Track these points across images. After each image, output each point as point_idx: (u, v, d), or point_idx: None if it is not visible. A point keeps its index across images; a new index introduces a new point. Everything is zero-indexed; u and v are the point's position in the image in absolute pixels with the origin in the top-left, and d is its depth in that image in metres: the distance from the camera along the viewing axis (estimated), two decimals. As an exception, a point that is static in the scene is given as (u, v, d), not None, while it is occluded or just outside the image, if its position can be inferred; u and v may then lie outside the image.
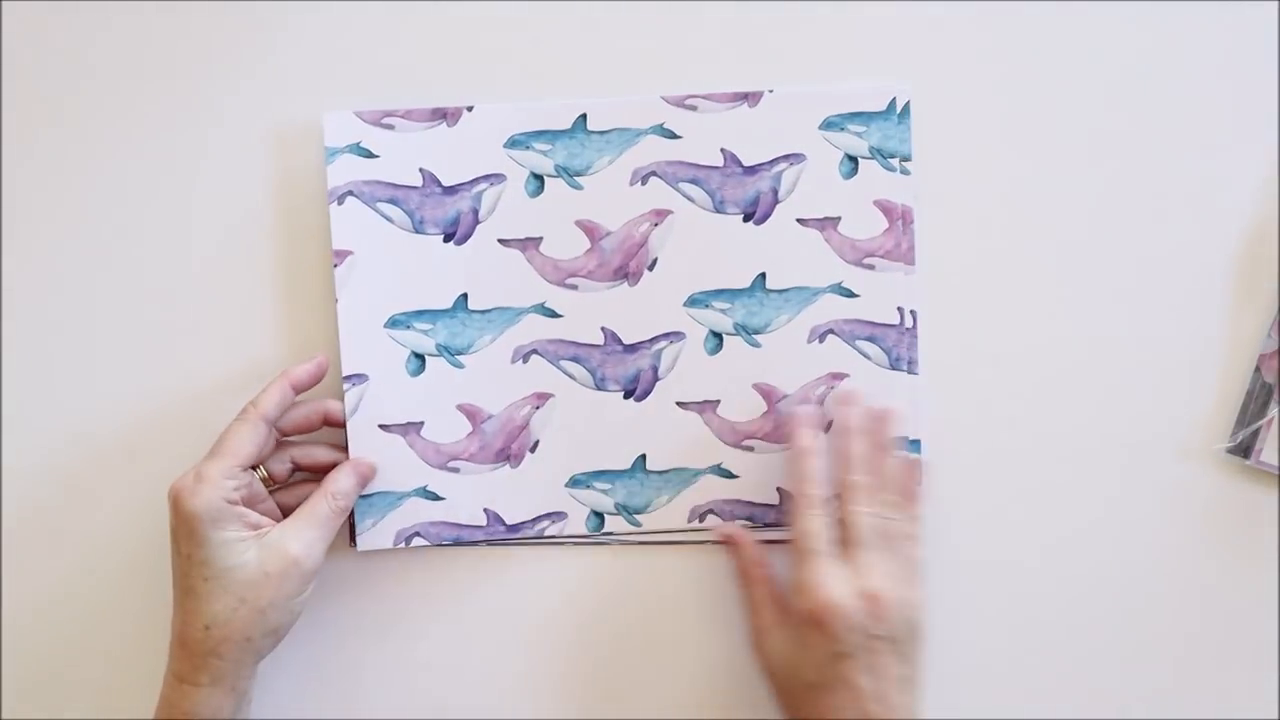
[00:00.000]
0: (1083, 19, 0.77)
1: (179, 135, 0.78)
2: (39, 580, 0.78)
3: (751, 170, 0.77)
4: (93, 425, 0.78)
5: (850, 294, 0.77)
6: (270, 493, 0.75)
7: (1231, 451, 0.76)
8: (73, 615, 0.79)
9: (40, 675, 0.79)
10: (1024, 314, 0.77)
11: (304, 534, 0.72)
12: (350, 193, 0.77)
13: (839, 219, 0.77)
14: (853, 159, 0.77)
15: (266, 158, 0.77)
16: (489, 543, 0.78)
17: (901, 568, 0.72)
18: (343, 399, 0.77)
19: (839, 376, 0.77)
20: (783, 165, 0.77)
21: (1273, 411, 0.76)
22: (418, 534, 0.77)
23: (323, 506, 0.73)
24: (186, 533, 0.70)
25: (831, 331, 0.77)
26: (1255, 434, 0.76)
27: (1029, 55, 0.77)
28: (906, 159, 0.77)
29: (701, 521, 0.78)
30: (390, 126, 0.77)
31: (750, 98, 0.77)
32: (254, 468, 0.73)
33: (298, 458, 0.76)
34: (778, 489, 0.78)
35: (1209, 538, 0.77)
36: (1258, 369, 0.76)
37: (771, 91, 0.77)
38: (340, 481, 0.74)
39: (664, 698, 0.78)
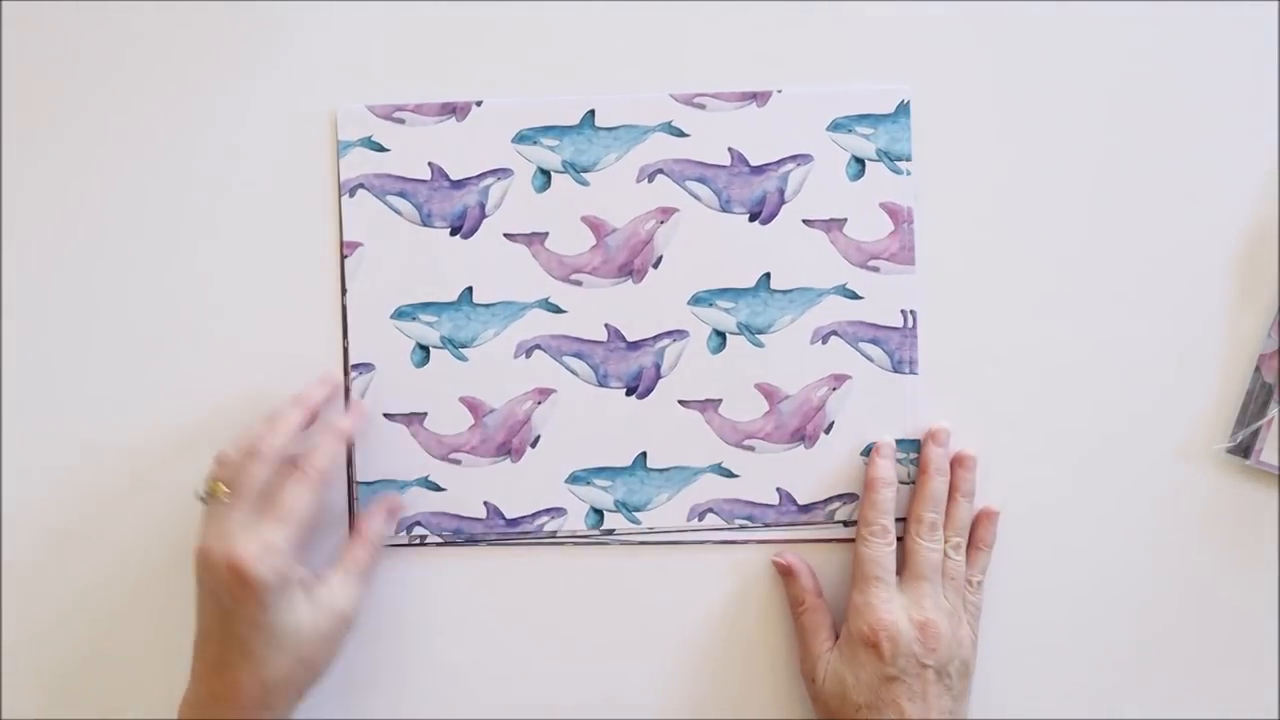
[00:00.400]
0: (1083, 19, 0.78)
1: (193, 130, 0.79)
2: (40, 584, 0.78)
3: (758, 170, 0.77)
4: (98, 421, 0.78)
5: (854, 296, 0.77)
6: None
7: (1231, 451, 0.76)
8: (74, 620, 0.78)
9: (41, 676, 0.79)
10: (1024, 314, 0.77)
11: (352, 587, 0.73)
12: (361, 185, 0.78)
13: (845, 220, 0.77)
14: (860, 161, 0.77)
15: (280, 150, 0.78)
16: (488, 541, 0.78)
17: (957, 607, 0.74)
18: (348, 388, 0.77)
19: (841, 378, 0.77)
20: (790, 166, 0.77)
21: (1273, 411, 0.75)
22: (418, 524, 0.77)
23: (364, 555, 0.74)
24: (254, 601, 0.68)
25: (835, 333, 0.77)
26: (1255, 434, 0.76)
27: (1029, 56, 0.78)
28: (909, 159, 0.77)
29: (701, 520, 0.78)
30: (401, 120, 0.78)
31: (759, 97, 0.77)
32: None
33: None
34: (777, 489, 0.78)
35: (1209, 538, 0.77)
36: (1258, 369, 0.76)
37: (780, 91, 0.77)
38: (377, 526, 0.76)
39: (662, 696, 0.78)
